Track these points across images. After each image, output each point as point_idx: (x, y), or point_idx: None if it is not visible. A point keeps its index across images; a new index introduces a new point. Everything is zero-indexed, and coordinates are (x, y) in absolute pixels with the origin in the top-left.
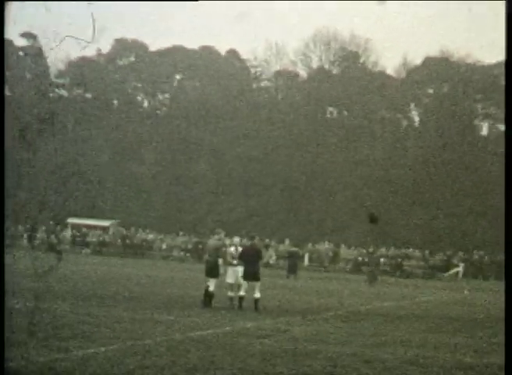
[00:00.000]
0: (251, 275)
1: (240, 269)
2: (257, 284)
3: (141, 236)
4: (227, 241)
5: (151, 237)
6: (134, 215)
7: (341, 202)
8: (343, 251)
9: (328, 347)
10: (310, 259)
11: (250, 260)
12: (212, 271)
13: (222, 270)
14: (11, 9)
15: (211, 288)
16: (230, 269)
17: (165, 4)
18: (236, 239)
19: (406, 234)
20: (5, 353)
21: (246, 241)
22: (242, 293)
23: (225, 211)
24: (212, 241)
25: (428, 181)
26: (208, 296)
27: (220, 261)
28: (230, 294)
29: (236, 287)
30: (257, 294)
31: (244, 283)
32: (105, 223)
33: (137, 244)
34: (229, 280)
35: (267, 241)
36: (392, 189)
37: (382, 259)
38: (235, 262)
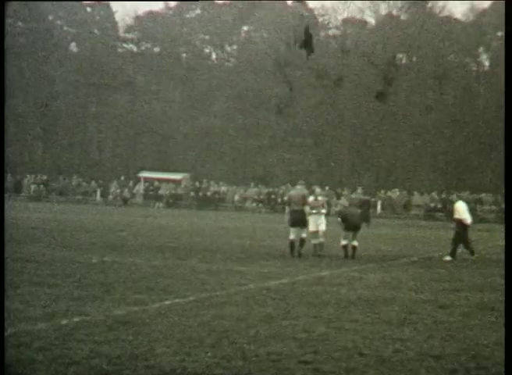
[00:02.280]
0: (352, 225)
1: (319, 217)
2: (356, 234)
3: (214, 188)
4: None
5: (223, 189)
6: (205, 167)
7: (411, 148)
8: (415, 197)
9: (404, 293)
10: (382, 207)
11: (352, 213)
12: (301, 220)
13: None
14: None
15: (304, 235)
16: (311, 218)
17: None
18: (318, 189)
19: (478, 179)
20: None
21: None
22: (355, 242)
23: (295, 161)
24: (296, 191)
25: (500, 125)
26: (301, 244)
27: (306, 209)
28: (313, 241)
29: (316, 234)
30: (355, 242)
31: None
32: (177, 176)
33: (210, 197)
34: (311, 228)
35: (338, 190)
36: (463, 134)
37: None
38: (314, 211)
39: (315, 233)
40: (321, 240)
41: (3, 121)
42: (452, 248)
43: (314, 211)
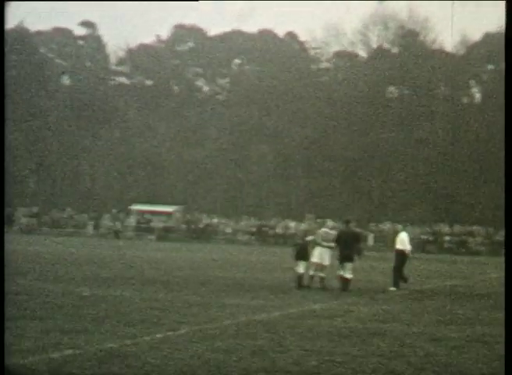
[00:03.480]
0: (346, 256)
1: (327, 251)
2: (350, 265)
3: (205, 220)
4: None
5: (215, 221)
6: (197, 200)
7: (403, 181)
8: (407, 229)
9: (395, 326)
10: (375, 239)
11: (346, 243)
12: (302, 254)
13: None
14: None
15: (301, 270)
16: (317, 250)
17: None
18: (330, 222)
19: (469, 211)
20: (6, 355)
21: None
22: (347, 274)
23: (287, 193)
24: (304, 225)
25: (490, 158)
26: (299, 277)
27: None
28: (312, 273)
29: (319, 267)
30: (349, 275)
31: (349, 265)
32: (169, 209)
33: (202, 229)
34: (315, 259)
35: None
36: (454, 166)
37: (446, 237)
38: (324, 243)
39: (317, 265)
40: (323, 274)
41: (3, 135)
42: (394, 278)
43: (324, 243)
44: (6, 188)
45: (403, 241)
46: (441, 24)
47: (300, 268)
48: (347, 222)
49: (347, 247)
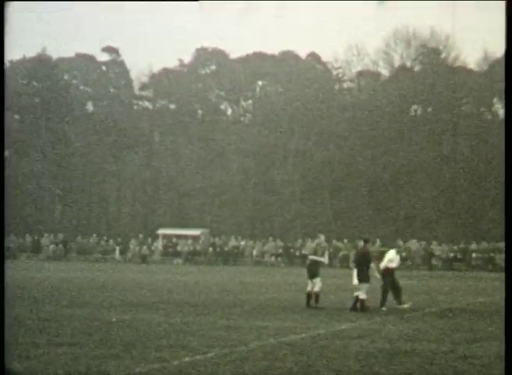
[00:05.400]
0: (361, 277)
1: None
2: (365, 286)
3: (232, 243)
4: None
5: (241, 243)
6: (223, 222)
7: (428, 199)
8: (434, 247)
9: (424, 345)
10: (401, 258)
11: (362, 263)
12: (310, 272)
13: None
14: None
15: (317, 289)
16: (355, 271)
17: (245, 11)
18: (361, 242)
19: (496, 228)
20: (6, 354)
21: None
22: (360, 295)
23: (313, 214)
24: (311, 244)
25: None
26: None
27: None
28: (356, 294)
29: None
30: (363, 295)
31: (363, 286)
32: (196, 232)
33: (228, 252)
34: (355, 281)
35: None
36: (479, 183)
37: (474, 254)
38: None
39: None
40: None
41: (3, 136)
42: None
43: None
44: (32, 215)
45: (395, 260)
46: (463, 41)
47: (309, 286)
48: (365, 241)
49: (363, 267)
